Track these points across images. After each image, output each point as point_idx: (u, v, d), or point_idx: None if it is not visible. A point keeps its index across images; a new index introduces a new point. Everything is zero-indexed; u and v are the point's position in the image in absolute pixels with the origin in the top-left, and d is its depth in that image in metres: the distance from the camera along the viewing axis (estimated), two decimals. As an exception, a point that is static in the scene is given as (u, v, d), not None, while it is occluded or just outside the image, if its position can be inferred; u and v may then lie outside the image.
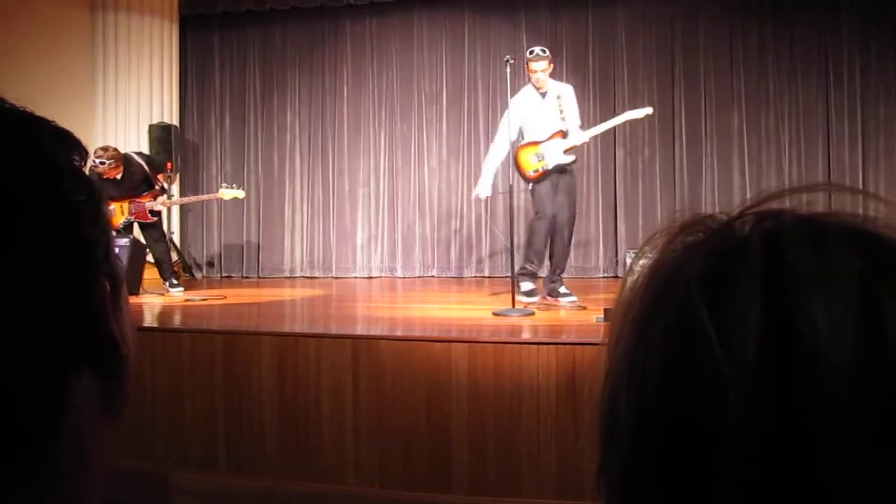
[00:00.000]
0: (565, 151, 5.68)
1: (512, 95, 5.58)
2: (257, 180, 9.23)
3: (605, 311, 4.76)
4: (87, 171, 0.55)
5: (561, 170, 5.69)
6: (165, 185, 7.23)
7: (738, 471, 0.38)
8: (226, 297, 6.50)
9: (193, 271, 8.98)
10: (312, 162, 9.12)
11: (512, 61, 5.40)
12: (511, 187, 5.57)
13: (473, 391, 3.79)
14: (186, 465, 4.19)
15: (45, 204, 0.48)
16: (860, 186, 7.77)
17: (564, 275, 6.06)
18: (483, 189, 5.96)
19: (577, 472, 3.64)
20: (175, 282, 6.93)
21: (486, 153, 8.65)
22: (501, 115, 8.31)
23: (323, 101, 9.11)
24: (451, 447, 3.80)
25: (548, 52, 5.69)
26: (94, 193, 0.53)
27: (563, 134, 5.70)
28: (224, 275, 9.20)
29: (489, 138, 8.64)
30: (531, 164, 5.74)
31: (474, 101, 8.76)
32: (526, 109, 5.79)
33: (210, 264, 9.31)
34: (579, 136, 5.71)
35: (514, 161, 5.76)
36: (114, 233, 5.92)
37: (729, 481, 0.38)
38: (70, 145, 0.54)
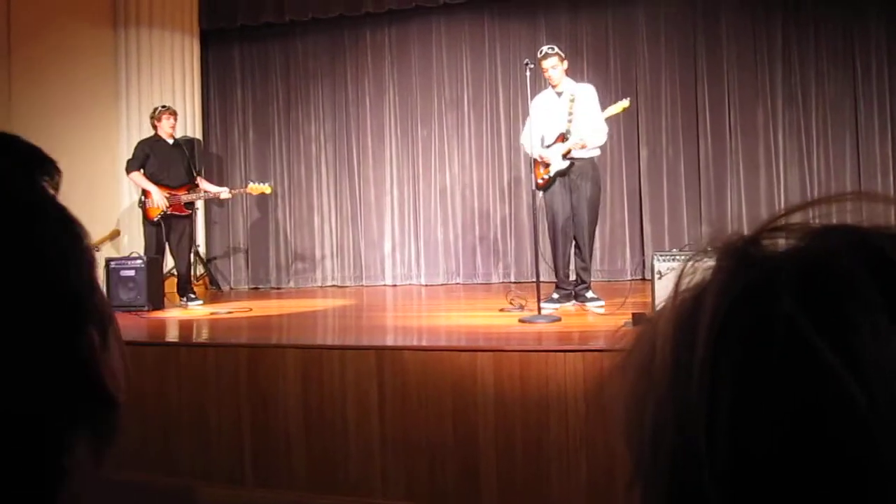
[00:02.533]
0: (563, 156, 5.57)
1: (532, 99, 5.54)
2: (283, 192, 9.26)
3: (634, 315, 4.69)
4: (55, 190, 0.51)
5: (563, 173, 5.59)
6: (210, 186, 7.27)
7: None
8: (251, 310, 6.50)
9: (220, 283, 9.02)
10: (339, 171, 9.13)
11: (532, 65, 5.38)
12: (534, 191, 5.54)
13: (500, 401, 3.74)
14: (213, 480, 4.18)
15: (17, 252, 0.44)
16: (890, 180, 7.65)
17: (593, 279, 6.01)
18: (552, 158, 5.64)
19: (607, 481, 3.58)
20: (193, 296, 6.97)
21: (507, 158, 8.65)
22: (523, 120, 8.31)
23: (346, 110, 9.13)
24: (478, 458, 3.75)
25: (556, 49, 5.61)
26: (73, 230, 0.49)
27: (563, 137, 5.59)
28: (252, 286, 9.22)
29: (511, 143, 8.61)
30: (540, 171, 5.69)
31: (495, 105, 8.72)
32: (541, 111, 5.72)
33: (237, 276, 9.34)
34: (573, 139, 5.56)
35: (531, 167, 5.78)
36: (135, 253, 5.96)
37: None
38: (39, 167, 0.49)
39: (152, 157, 6.83)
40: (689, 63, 8.20)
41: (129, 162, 6.88)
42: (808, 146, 8.00)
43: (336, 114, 9.16)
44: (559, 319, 4.93)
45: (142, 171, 6.80)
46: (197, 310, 6.63)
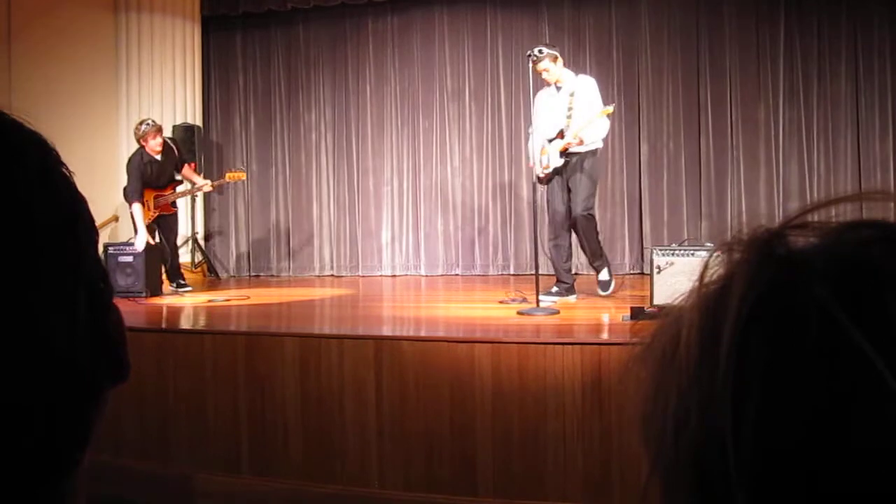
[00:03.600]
0: (560, 152, 5.56)
1: (534, 91, 5.52)
2: (284, 180, 9.25)
3: (632, 309, 4.69)
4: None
5: (559, 170, 5.59)
6: (193, 177, 7.25)
7: None
8: (249, 298, 6.50)
9: (218, 271, 9.01)
10: (338, 161, 9.11)
11: (533, 56, 5.36)
12: (534, 184, 5.53)
13: (497, 392, 3.74)
14: (210, 468, 4.18)
15: (16, 238, 0.44)
16: (891, 177, 7.64)
17: (590, 272, 6.04)
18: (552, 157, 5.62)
19: (604, 473, 3.59)
20: (182, 282, 6.99)
21: (508, 150, 8.64)
22: (525, 112, 8.30)
23: (347, 99, 9.10)
24: (475, 449, 3.76)
25: (545, 51, 5.51)
26: (72, 207, 0.50)
27: (562, 133, 5.58)
28: (253, 274, 9.22)
29: (512, 135, 8.59)
30: (542, 165, 5.69)
31: (497, 97, 8.70)
32: (542, 106, 5.70)
33: (236, 264, 9.34)
34: (568, 137, 5.54)
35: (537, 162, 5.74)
36: (131, 241, 5.98)
37: None
38: (39, 152, 0.49)
39: (145, 180, 6.72)
40: (691, 58, 8.18)
41: (127, 191, 6.66)
42: (808, 143, 7.99)
43: (337, 103, 9.14)
44: (558, 312, 4.93)
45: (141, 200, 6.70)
46: (195, 297, 6.63)
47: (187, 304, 6.26)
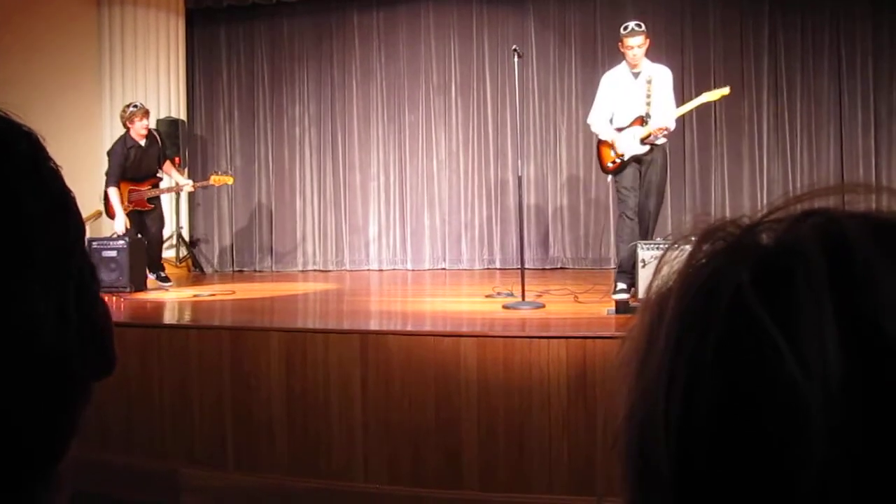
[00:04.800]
0: (642, 140, 5.25)
1: (519, 85, 5.44)
2: (268, 174, 9.22)
3: (617, 303, 4.71)
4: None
5: (638, 160, 5.29)
6: (175, 175, 7.20)
7: None
8: (234, 292, 6.48)
9: (203, 266, 8.98)
10: (323, 155, 9.09)
11: (519, 51, 5.33)
12: (520, 178, 5.51)
13: (483, 386, 3.75)
14: (195, 463, 4.17)
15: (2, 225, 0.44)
16: (872, 173, 7.71)
17: (578, 267, 5.99)
18: (620, 144, 5.32)
19: (589, 466, 3.61)
20: (163, 274, 6.96)
21: (494, 144, 8.64)
22: (510, 106, 8.30)
23: (332, 93, 9.08)
24: (461, 443, 3.77)
25: (643, 27, 5.25)
26: (60, 198, 0.50)
27: (643, 121, 5.27)
28: (236, 269, 9.19)
29: (498, 129, 8.60)
30: (609, 153, 5.37)
31: (483, 92, 8.71)
32: (615, 90, 5.40)
33: (220, 259, 9.30)
34: (654, 123, 5.24)
35: (595, 148, 5.53)
36: (114, 235, 5.94)
37: None
38: (28, 145, 0.50)
39: (127, 166, 6.70)
40: (676, 54, 8.21)
41: (108, 175, 6.67)
42: (791, 138, 8.05)
43: (322, 97, 9.12)
44: (543, 306, 4.95)
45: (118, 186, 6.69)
46: (180, 292, 6.60)
47: (172, 298, 6.24)
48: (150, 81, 8.50)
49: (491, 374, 3.74)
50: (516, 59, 5.25)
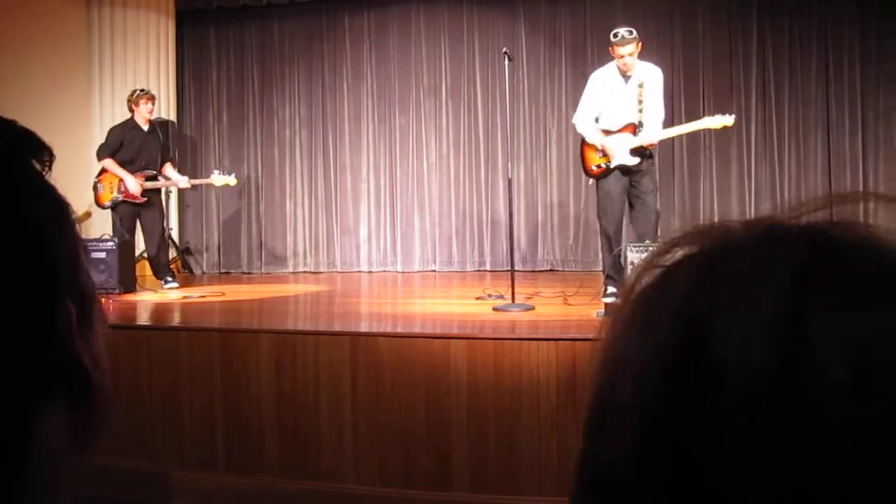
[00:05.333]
0: (631, 151, 5.14)
1: (509, 88, 5.43)
2: (257, 176, 9.21)
3: (606, 305, 4.74)
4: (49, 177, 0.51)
5: (626, 170, 5.17)
6: (173, 175, 7.12)
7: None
8: (224, 294, 6.47)
9: (192, 267, 8.96)
10: (314, 157, 9.09)
11: (509, 53, 5.32)
12: (510, 180, 5.53)
13: (473, 388, 3.76)
14: (186, 465, 4.17)
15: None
16: (860, 177, 7.77)
17: (568, 269, 5.99)
18: (596, 141, 5.21)
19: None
20: (170, 279, 6.91)
21: (485, 146, 8.66)
22: (500, 109, 8.32)
23: (322, 95, 9.07)
24: (451, 445, 3.78)
25: (634, 33, 5.10)
26: (57, 206, 0.50)
27: (634, 128, 5.16)
28: (223, 271, 9.17)
29: (488, 131, 8.62)
30: (594, 157, 5.25)
31: (473, 94, 8.72)
32: (604, 91, 5.26)
33: (209, 260, 9.28)
34: (648, 136, 5.12)
35: (579, 150, 5.41)
36: (106, 235, 5.87)
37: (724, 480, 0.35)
38: (30, 149, 0.50)
39: (125, 144, 6.72)
40: (665, 58, 8.23)
41: (101, 147, 6.73)
42: (779, 142, 8.11)
43: (312, 99, 9.11)
44: (533, 308, 4.96)
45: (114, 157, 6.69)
46: (169, 294, 6.58)
47: (162, 300, 6.22)
48: (140, 82, 8.45)
49: (481, 375, 3.76)
50: (507, 62, 5.26)
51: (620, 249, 5.00)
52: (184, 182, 7.00)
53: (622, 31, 5.13)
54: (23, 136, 0.50)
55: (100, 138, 7.53)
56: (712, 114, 8.04)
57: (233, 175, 7.17)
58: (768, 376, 0.35)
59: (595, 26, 8.39)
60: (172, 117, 8.71)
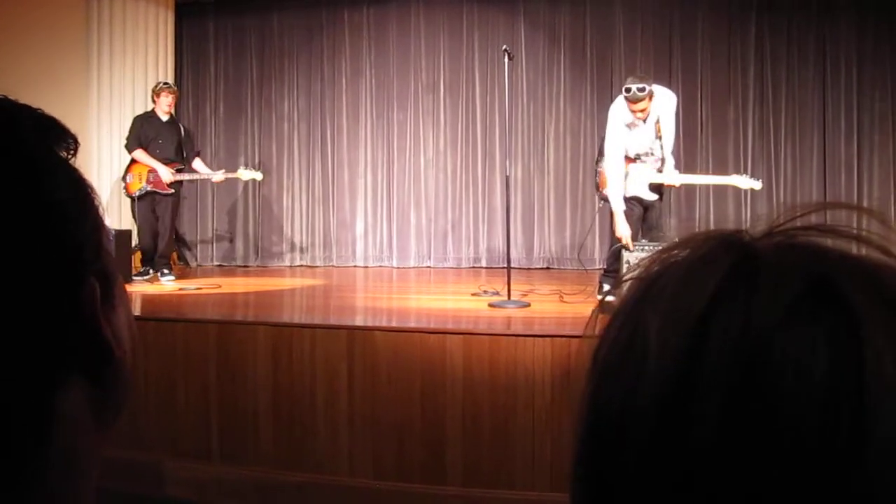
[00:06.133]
0: (651, 186, 5.13)
1: (509, 86, 5.45)
2: (255, 169, 9.18)
3: (601, 303, 4.75)
4: (75, 162, 0.53)
5: (642, 202, 5.16)
6: (198, 167, 7.18)
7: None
8: (220, 287, 6.47)
9: (188, 260, 8.95)
10: (311, 151, 9.08)
11: (510, 51, 5.32)
12: (508, 177, 5.54)
13: (468, 383, 3.78)
14: (180, 455, 4.18)
15: (25, 204, 0.45)
16: (854, 181, 7.81)
17: (564, 267, 6.01)
18: (622, 230, 5.08)
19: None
20: (166, 272, 6.92)
21: (482, 143, 8.67)
22: (499, 106, 8.33)
23: (321, 90, 9.07)
24: (445, 439, 3.80)
25: (647, 88, 4.96)
26: (80, 188, 0.51)
27: (660, 164, 5.18)
28: (219, 264, 9.16)
29: (486, 128, 8.63)
30: (619, 185, 5.20)
31: (472, 91, 8.73)
32: (623, 125, 5.19)
33: (205, 253, 9.27)
34: (670, 177, 5.14)
35: (594, 171, 5.42)
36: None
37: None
38: (54, 135, 0.51)
39: (142, 134, 6.85)
40: (664, 59, 8.28)
41: (127, 140, 6.92)
42: (776, 144, 8.14)
43: (310, 93, 9.11)
44: (528, 305, 4.98)
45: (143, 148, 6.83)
46: (166, 286, 6.58)
47: (158, 291, 6.23)
48: (139, 75, 8.45)
49: (476, 371, 3.77)
50: (506, 59, 5.26)
51: (619, 247, 5.02)
52: (218, 175, 7.05)
53: (634, 87, 4.95)
54: (47, 123, 0.52)
55: (97, 129, 7.55)
56: (709, 119, 8.13)
57: (259, 171, 7.29)
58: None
59: (594, 25, 8.41)
60: (171, 110, 8.69)
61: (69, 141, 0.53)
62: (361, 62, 8.97)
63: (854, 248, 0.41)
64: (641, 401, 0.38)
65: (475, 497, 3.71)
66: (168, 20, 8.84)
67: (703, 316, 0.38)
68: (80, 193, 0.51)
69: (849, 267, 0.39)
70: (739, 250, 0.41)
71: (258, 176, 7.25)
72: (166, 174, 6.73)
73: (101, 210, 0.53)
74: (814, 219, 0.43)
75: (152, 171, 6.78)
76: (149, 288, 6.42)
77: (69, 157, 0.52)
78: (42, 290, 0.45)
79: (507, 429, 3.72)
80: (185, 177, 7.00)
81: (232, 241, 9.20)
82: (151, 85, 8.47)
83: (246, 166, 7.33)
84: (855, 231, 0.42)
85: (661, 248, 0.46)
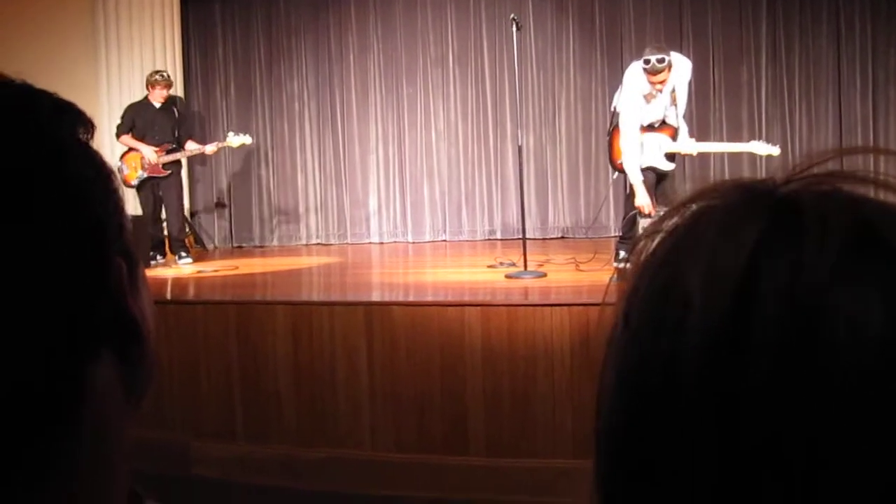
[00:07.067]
0: (666, 155, 5.06)
1: (518, 56, 5.37)
2: (267, 149, 9.20)
3: (618, 270, 4.74)
4: (94, 144, 0.53)
5: (655, 170, 5.07)
6: (191, 147, 7.12)
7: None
8: (237, 268, 6.51)
9: (205, 242, 9.00)
10: (322, 129, 9.07)
11: (518, 20, 5.26)
12: (520, 148, 5.51)
13: (487, 354, 3.80)
14: (205, 435, 4.24)
15: (50, 183, 0.46)
16: (870, 138, 7.71)
17: (578, 236, 5.98)
18: (642, 200, 4.97)
19: (592, 432, 3.66)
20: (184, 254, 6.97)
21: (493, 114, 8.63)
22: (508, 76, 8.28)
23: (329, 67, 9.04)
24: (466, 410, 3.83)
25: (666, 60, 4.82)
26: (102, 170, 0.52)
27: (673, 132, 5.08)
28: (236, 245, 9.21)
29: (496, 100, 8.58)
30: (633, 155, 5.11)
31: (480, 62, 8.67)
32: (640, 96, 5.05)
33: (221, 235, 9.32)
34: (687, 146, 5.08)
35: (608, 143, 5.34)
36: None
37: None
38: (74, 118, 0.52)
39: (137, 121, 6.87)
40: (674, 20, 8.18)
41: (118, 127, 6.92)
42: (790, 103, 8.05)
43: (319, 71, 9.07)
44: (545, 275, 4.98)
45: (130, 134, 6.85)
46: (183, 268, 6.63)
47: (176, 275, 6.27)
48: (147, 57, 8.45)
49: (495, 342, 3.79)
50: (515, 29, 5.21)
51: (634, 213, 5.00)
52: (210, 147, 7.01)
53: (654, 59, 4.82)
54: (66, 106, 0.52)
55: (108, 116, 7.56)
56: (722, 80, 8.04)
57: (247, 135, 7.20)
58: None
59: (602, -9, 8.31)
60: (180, 93, 8.70)
61: (87, 124, 0.53)
62: (369, 37, 8.92)
63: (872, 194, 0.41)
64: (687, 353, 0.38)
65: (499, 466, 3.75)
66: (174, 4, 8.82)
67: (748, 268, 0.38)
68: (103, 174, 0.52)
69: (888, 213, 0.39)
70: (775, 200, 0.41)
71: (247, 140, 7.15)
72: (150, 153, 6.72)
73: (121, 192, 0.54)
74: (830, 166, 0.43)
75: (143, 156, 6.81)
76: (168, 271, 6.47)
77: (87, 139, 0.53)
78: (69, 266, 0.45)
79: (527, 398, 3.74)
80: (178, 156, 6.96)
81: (245, 221, 9.24)
82: (160, 68, 8.50)
83: (234, 133, 7.25)
84: (872, 176, 0.41)
85: (681, 200, 0.45)
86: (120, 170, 6.83)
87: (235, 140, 7.06)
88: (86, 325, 0.46)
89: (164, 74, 6.99)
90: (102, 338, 0.48)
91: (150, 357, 0.54)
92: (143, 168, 6.78)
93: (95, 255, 0.47)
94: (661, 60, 4.81)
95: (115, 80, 8.25)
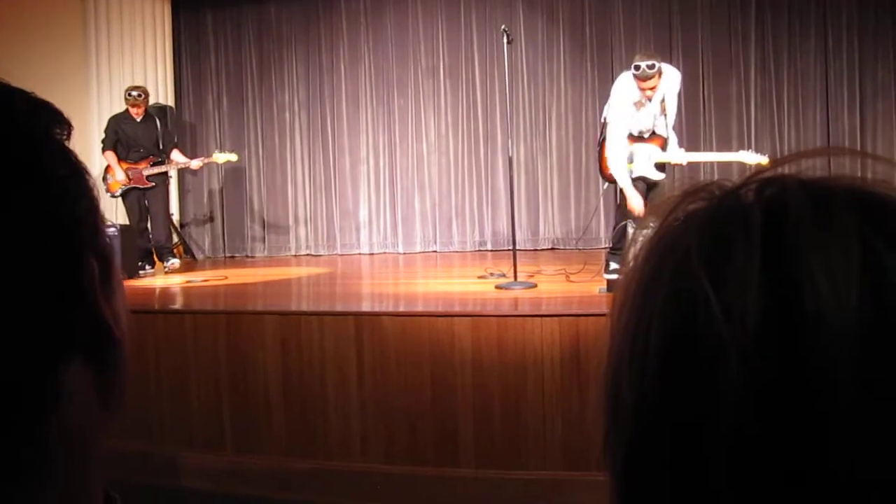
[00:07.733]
0: (656, 165, 5.06)
1: (509, 67, 5.40)
2: (258, 160, 9.20)
3: (608, 282, 4.76)
4: (70, 144, 0.52)
5: (651, 183, 5.07)
6: (176, 158, 7.13)
7: (737, 440, 0.37)
8: (227, 278, 6.49)
9: (194, 252, 8.98)
10: (313, 140, 9.08)
11: (510, 34, 5.27)
12: (511, 159, 5.53)
13: (478, 365, 3.79)
14: (194, 446, 4.21)
15: (22, 181, 0.45)
16: (858, 149, 7.76)
17: (568, 247, 6.00)
18: (634, 203, 4.92)
19: (583, 442, 3.66)
20: (170, 258, 7.00)
21: (484, 126, 8.65)
22: (499, 88, 8.30)
23: (321, 77, 9.05)
24: (456, 422, 3.81)
25: (657, 66, 4.82)
26: (77, 168, 0.51)
27: (663, 142, 5.09)
28: (228, 255, 9.19)
29: (487, 111, 8.60)
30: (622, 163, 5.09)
31: (471, 73, 8.70)
32: (630, 104, 5.04)
33: (211, 245, 9.29)
34: (677, 156, 5.09)
35: (597, 153, 5.31)
36: (109, 221, 5.92)
37: (727, 448, 0.38)
38: (49, 116, 0.51)
39: (120, 134, 6.93)
40: (664, 33, 8.23)
41: (102, 141, 6.97)
42: (779, 117, 8.10)
43: (310, 81, 9.09)
44: (535, 286, 4.99)
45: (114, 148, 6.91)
46: (172, 278, 6.61)
47: (166, 285, 6.25)
48: (138, 68, 8.45)
49: (485, 353, 3.78)
50: (505, 40, 5.23)
51: (624, 224, 5.01)
52: (195, 163, 7.07)
53: (644, 65, 4.81)
54: (42, 104, 0.52)
55: (98, 126, 7.54)
56: (711, 92, 8.08)
57: (233, 152, 7.35)
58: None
59: (593, 3, 8.36)
60: (171, 103, 8.69)
61: (63, 123, 0.52)
62: (360, 49, 8.94)
63: None
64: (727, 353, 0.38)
65: (488, 478, 3.73)
66: (165, 13, 8.83)
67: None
68: (77, 173, 0.51)
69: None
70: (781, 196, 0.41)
71: (233, 157, 7.29)
72: (121, 176, 6.80)
73: (96, 192, 0.53)
74: (818, 165, 0.44)
75: (129, 167, 6.86)
76: (156, 281, 6.44)
77: (63, 138, 0.52)
78: (42, 263, 0.44)
79: (517, 409, 3.73)
80: (163, 168, 6.99)
81: (235, 232, 9.22)
82: (151, 80, 8.51)
83: (219, 150, 7.32)
84: (860, 179, 0.42)
85: (677, 196, 0.45)
86: (104, 179, 6.86)
87: (221, 157, 7.18)
88: (55, 326, 0.45)
89: (134, 94, 6.96)
90: (73, 340, 0.47)
91: (123, 362, 0.52)
92: (129, 178, 6.82)
93: (67, 255, 0.46)
94: (651, 66, 4.81)
95: (106, 90, 8.24)
